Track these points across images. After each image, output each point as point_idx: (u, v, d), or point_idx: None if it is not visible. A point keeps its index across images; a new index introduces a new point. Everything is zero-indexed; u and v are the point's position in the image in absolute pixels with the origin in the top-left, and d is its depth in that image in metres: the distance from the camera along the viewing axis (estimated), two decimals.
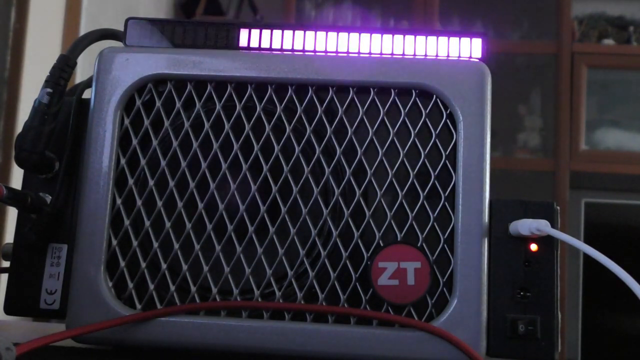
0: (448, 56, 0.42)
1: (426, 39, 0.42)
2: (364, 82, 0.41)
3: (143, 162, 0.40)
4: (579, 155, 2.22)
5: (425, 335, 0.38)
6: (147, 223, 0.40)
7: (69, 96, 0.44)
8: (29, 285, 0.41)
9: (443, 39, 0.42)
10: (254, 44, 0.43)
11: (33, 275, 0.41)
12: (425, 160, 0.40)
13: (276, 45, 0.43)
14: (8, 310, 0.41)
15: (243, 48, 0.43)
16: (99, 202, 0.39)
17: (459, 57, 0.42)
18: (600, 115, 2.60)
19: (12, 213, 1.43)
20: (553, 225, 0.39)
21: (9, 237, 1.45)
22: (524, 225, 0.39)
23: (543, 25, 2.59)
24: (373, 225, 0.40)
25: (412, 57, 0.42)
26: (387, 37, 0.42)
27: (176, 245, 0.39)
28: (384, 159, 0.40)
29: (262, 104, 0.41)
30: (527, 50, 2.55)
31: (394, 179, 0.40)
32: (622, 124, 2.61)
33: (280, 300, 0.39)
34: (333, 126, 0.41)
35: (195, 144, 0.40)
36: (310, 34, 0.43)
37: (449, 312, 0.38)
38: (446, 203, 0.40)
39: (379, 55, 0.42)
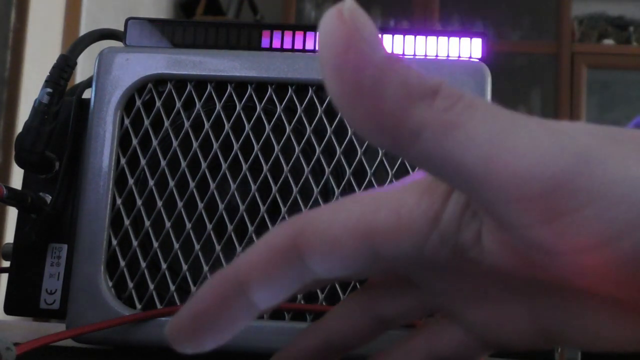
0: (448, 56, 0.42)
1: (426, 39, 0.42)
2: None
3: (143, 162, 0.40)
4: None
5: None
6: (147, 223, 0.40)
7: (69, 96, 0.44)
8: (29, 285, 0.41)
9: (443, 39, 0.42)
10: (255, 44, 0.43)
11: (33, 275, 0.41)
12: None
13: (276, 45, 0.43)
14: (8, 310, 0.41)
15: (244, 48, 0.43)
16: (99, 202, 0.39)
17: (459, 57, 0.42)
18: (600, 115, 2.60)
19: (12, 213, 1.43)
20: None
21: (9, 237, 1.45)
22: None
23: (543, 25, 2.59)
24: None
25: (412, 57, 0.42)
26: (387, 37, 0.42)
27: (176, 245, 0.39)
28: (384, 159, 0.40)
29: (262, 104, 0.41)
30: (527, 50, 2.55)
31: (394, 179, 0.40)
32: (622, 124, 2.61)
33: None
34: (333, 126, 0.41)
35: (195, 144, 0.40)
36: (310, 34, 0.43)
37: None
38: None
39: None
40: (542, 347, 0.22)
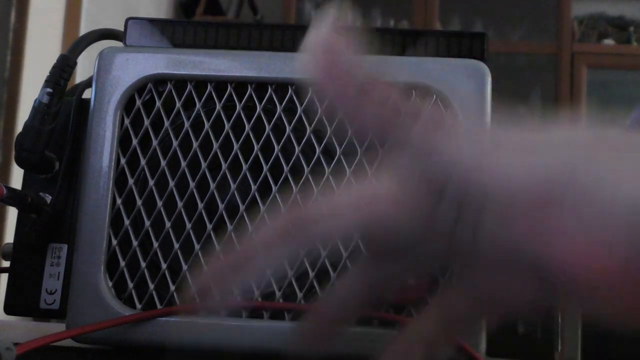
0: (448, 56, 0.42)
1: (426, 39, 0.42)
2: None
3: (143, 162, 0.40)
4: None
5: None
6: (147, 223, 0.40)
7: (69, 96, 0.44)
8: (29, 285, 0.41)
9: (443, 39, 0.42)
10: (254, 43, 0.43)
11: (33, 275, 0.41)
12: None
13: (276, 45, 0.43)
14: (8, 310, 0.41)
15: (244, 48, 0.43)
16: (99, 202, 0.39)
17: (459, 57, 0.42)
18: (600, 115, 2.60)
19: (12, 213, 1.43)
20: None
21: (9, 237, 1.45)
22: None
23: (543, 25, 2.59)
24: None
25: (412, 57, 0.42)
26: (388, 37, 0.42)
27: (176, 245, 0.39)
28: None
29: (262, 104, 0.41)
30: (527, 50, 2.54)
31: None
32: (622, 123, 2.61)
33: (280, 300, 0.39)
34: (333, 126, 0.41)
35: (195, 144, 0.40)
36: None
37: None
38: None
39: (378, 55, 0.42)
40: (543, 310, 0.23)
